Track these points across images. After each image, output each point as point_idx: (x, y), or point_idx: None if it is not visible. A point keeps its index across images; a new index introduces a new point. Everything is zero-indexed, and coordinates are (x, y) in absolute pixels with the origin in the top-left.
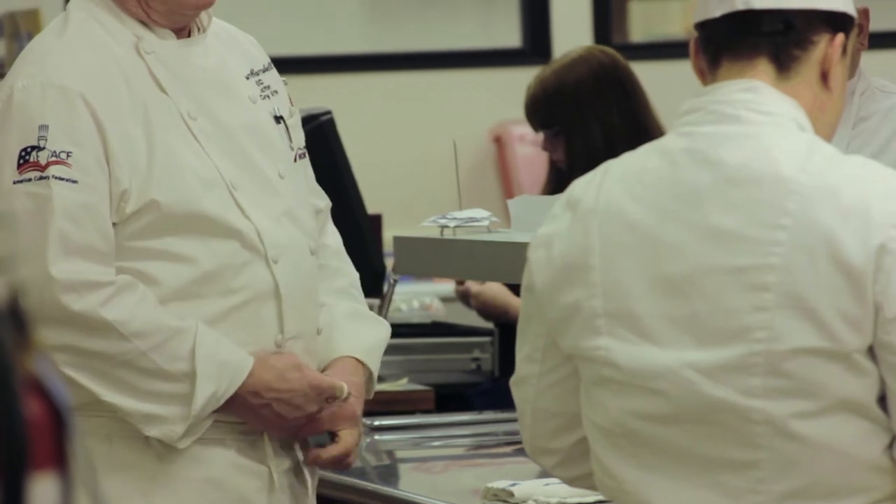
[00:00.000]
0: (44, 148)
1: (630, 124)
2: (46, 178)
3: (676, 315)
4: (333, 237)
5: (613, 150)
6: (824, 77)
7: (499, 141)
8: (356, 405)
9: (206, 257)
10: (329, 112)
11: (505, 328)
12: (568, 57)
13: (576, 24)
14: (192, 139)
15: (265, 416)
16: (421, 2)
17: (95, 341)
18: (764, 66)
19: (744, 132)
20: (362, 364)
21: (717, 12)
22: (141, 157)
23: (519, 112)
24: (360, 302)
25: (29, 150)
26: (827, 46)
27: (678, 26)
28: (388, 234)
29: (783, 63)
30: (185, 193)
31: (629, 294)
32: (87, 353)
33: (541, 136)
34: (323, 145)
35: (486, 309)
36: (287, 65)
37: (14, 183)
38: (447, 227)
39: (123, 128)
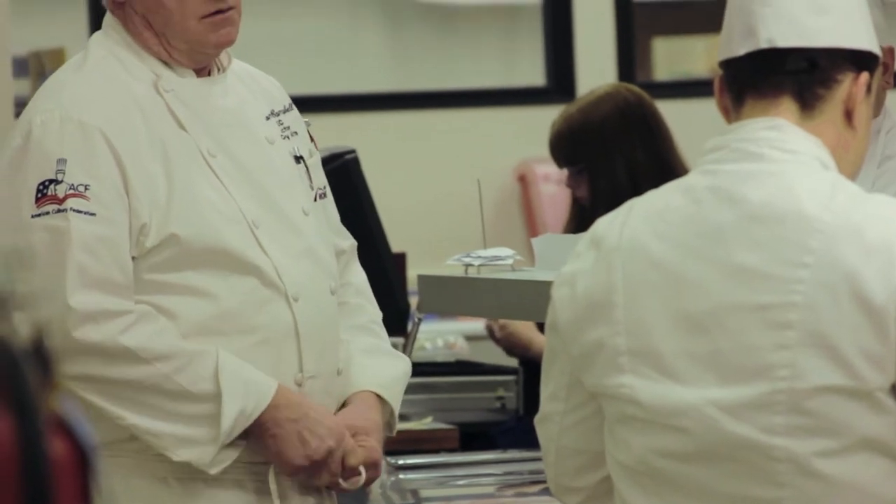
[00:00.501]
0: (62, 181)
1: (655, 163)
2: (64, 210)
3: (699, 352)
4: (357, 276)
5: (637, 188)
6: (848, 116)
7: (523, 179)
8: (376, 443)
9: (227, 293)
10: (353, 151)
11: (529, 366)
12: (594, 94)
13: (600, 63)
14: (212, 176)
15: (289, 440)
16: (444, 40)
17: (118, 369)
18: (788, 105)
19: (767, 170)
20: (382, 399)
21: (741, 50)
22: (160, 192)
23: (543, 150)
24: (382, 338)
25: (47, 183)
26: (851, 85)
27: (702, 64)
28: (413, 273)
29: (807, 101)
30: (205, 228)
31: (652, 332)
32: (111, 381)
33: (564, 173)
34: (347, 184)
35: (510, 342)
36: (311, 104)
37: (32, 217)
38: (471, 265)
39: (142, 163)
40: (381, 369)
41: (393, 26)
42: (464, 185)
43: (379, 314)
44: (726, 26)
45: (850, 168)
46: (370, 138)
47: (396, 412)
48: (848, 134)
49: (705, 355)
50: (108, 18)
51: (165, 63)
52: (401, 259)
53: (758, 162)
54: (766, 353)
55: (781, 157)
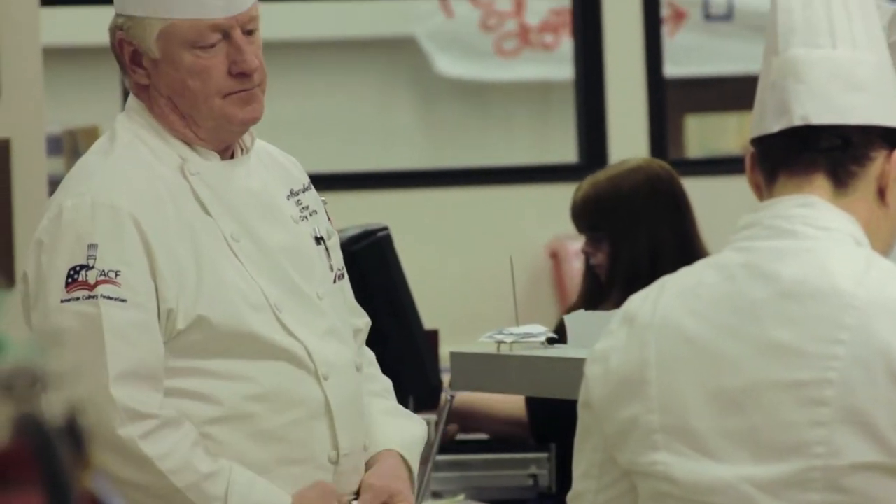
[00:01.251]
0: (93, 267)
1: (677, 241)
2: (95, 297)
3: (734, 430)
4: (368, 350)
5: (657, 263)
6: (881, 193)
7: (555, 256)
8: None
9: (260, 376)
10: (386, 228)
11: (562, 444)
12: (625, 165)
13: (632, 139)
14: (235, 261)
15: None
16: (477, 117)
17: (132, 471)
18: (821, 182)
19: (801, 247)
20: (404, 461)
21: (775, 127)
22: (189, 276)
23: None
24: (396, 404)
25: (78, 269)
26: (885, 162)
27: (734, 142)
28: (445, 350)
29: (840, 178)
30: (233, 313)
31: (686, 409)
32: (123, 481)
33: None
34: (380, 260)
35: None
36: (344, 181)
37: (62, 302)
38: (504, 342)
39: (170, 247)
40: (403, 430)
41: (425, 103)
42: (496, 262)
43: (390, 383)
44: (758, 103)
45: (884, 244)
46: (403, 215)
47: (415, 474)
48: (881, 211)
49: (740, 432)
50: (132, 101)
51: (190, 146)
52: (433, 336)
53: (791, 239)
54: (801, 430)
55: (815, 233)
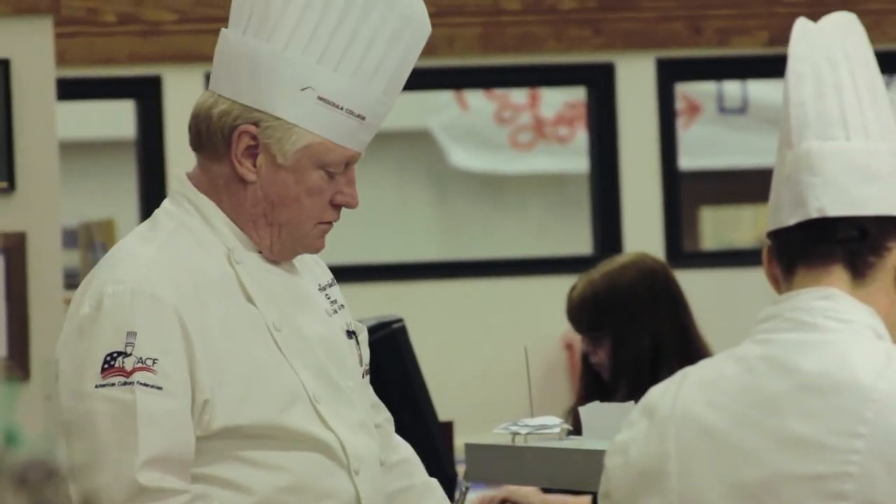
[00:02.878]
0: (130, 354)
1: (678, 334)
2: (131, 384)
3: None
4: (406, 448)
5: (659, 358)
6: None
7: (570, 347)
8: None
9: (294, 466)
10: (401, 320)
11: None
12: (616, 262)
13: (647, 231)
14: (277, 351)
15: None
16: (492, 209)
17: None
18: (839, 273)
19: (821, 340)
20: None
21: (791, 220)
22: (226, 371)
23: None
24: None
25: (115, 355)
26: None
27: (749, 234)
28: (460, 441)
29: (858, 270)
30: (270, 411)
31: (706, 501)
32: None
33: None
34: (395, 352)
35: None
36: (360, 273)
37: (96, 387)
38: (518, 434)
39: (210, 340)
40: None
41: (440, 195)
42: (511, 354)
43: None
44: (774, 197)
45: None
46: (418, 307)
47: None
48: None
49: None
50: (181, 187)
51: (236, 237)
52: (448, 427)
53: (811, 332)
54: None
55: (835, 326)
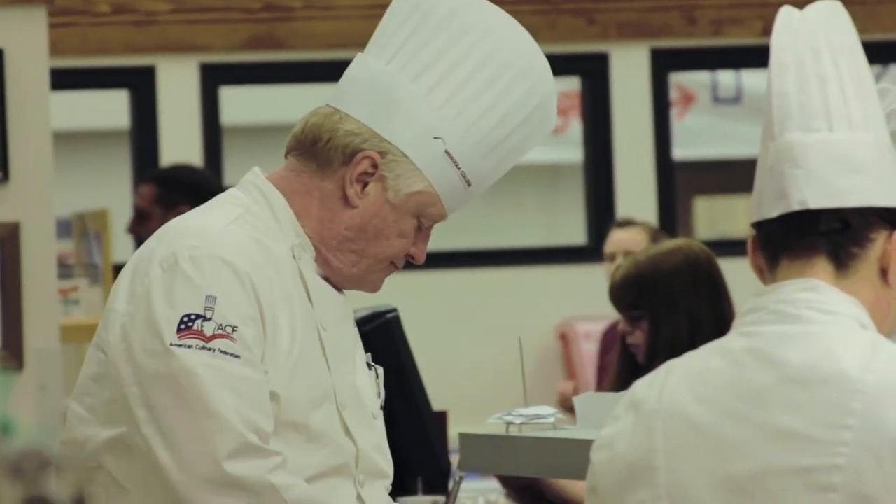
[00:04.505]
0: (210, 319)
1: (716, 323)
2: (211, 350)
3: None
4: None
5: (695, 343)
6: (884, 273)
7: (564, 337)
8: None
9: (310, 463)
10: (395, 310)
11: None
12: (664, 246)
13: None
14: (320, 348)
15: None
16: (485, 198)
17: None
18: (823, 265)
19: (806, 332)
20: None
21: (773, 213)
22: (281, 349)
23: (584, 309)
24: None
25: (193, 317)
26: (885, 243)
27: (743, 224)
28: (454, 431)
29: (842, 261)
30: (302, 405)
31: (694, 495)
32: None
33: (604, 327)
34: (389, 342)
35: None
36: None
37: (171, 345)
38: (513, 423)
39: (275, 315)
40: None
41: None
42: (505, 344)
43: None
44: (757, 188)
45: (889, 326)
46: (412, 297)
47: None
48: (884, 291)
49: None
50: (255, 178)
51: (299, 236)
52: (442, 417)
53: (796, 324)
54: None
55: (820, 318)
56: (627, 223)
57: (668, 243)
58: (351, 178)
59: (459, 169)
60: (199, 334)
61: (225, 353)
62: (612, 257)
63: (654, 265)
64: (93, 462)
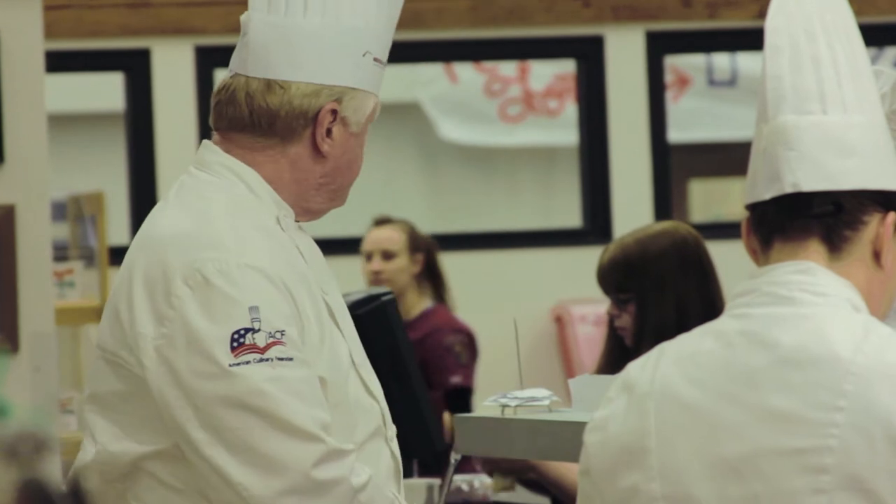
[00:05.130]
0: (259, 330)
1: (703, 305)
2: (269, 360)
3: (735, 497)
4: None
5: (683, 326)
6: (877, 256)
7: (559, 320)
8: None
9: (355, 434)
10: (390, 292)
11: None
12: (651, 228)
13: (636, 204)
14: (330, 316)
15: None
16: (481, 182)
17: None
18: (816, 247)
19: (799, 313)
20: None
21: (766, 195)
22: (314, 334)
23: (580, 292)
24: None
25: (242, 332)
26: (878, 226)
27: (738, 206)
28: None
29: (835, 244)
30: (339, 377)
31: (687, 477)
32: None
33: (599, 310)
34: (384, 325)
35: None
36: (349, 245)
37: (230, 366)
38: (508, 406)
39: (303, 306)
40: None
41: (429, 168)
42: (500, 326)
43: None
44: (751, 170)
45: (882, 308)
46: None
47: None
48: (877, 274)
49: (741, 500)
50: (219, 157)
51: (277, 206)
52: (437, 400)
53: (789, 306)
54: (802, 498)
55: (813, 300)
56: (385, 221)
57: (656, 226)
58: (321, 135)
59: (382, 63)
60: (254, 348)
61: (281, 359)
62: (370, 255)
63: (642, 248)
64: (127, 469)
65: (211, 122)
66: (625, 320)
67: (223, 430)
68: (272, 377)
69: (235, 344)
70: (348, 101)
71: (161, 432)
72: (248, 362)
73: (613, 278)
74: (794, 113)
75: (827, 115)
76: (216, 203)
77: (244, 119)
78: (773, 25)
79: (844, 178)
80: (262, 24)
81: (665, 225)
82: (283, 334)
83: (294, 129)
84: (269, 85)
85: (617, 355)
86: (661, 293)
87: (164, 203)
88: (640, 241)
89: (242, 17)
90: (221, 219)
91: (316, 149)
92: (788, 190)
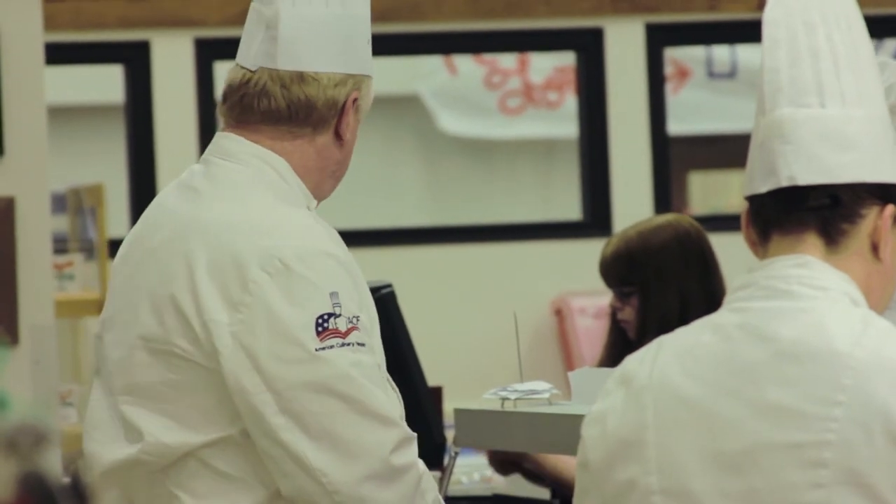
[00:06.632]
0: (340, 315)
1: (705, 297)
2: (350, 344)
3: (733, 491)
4: None
5: (686, 319)
6: (875, 249)
7: (559, 313)
8: None
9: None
10: (390, 285)
11: (564, 500)
12: (653, 221)
13: (636, 196)
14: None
15: None
16: (481, 174)
17: (404, 488)
18: (813, 241)
19: (797, 307)
20: None
21: (763, 188)
22: (373, 321)
23: (580, 284)
24: None
25: (326, 316)
26: (876, 218)
27: (738, 199)
28: (449, 406)
29: (832, 237)
30: (384, 363)
31: (685, 470)
32: (406, 498)
33: (599, 302)
34: (384, 317)
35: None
36: (348, 238)
37: (316, 350)
38: (508, 399)
39: (365, 292)
40: None
41: (429, 161)
42: (500, 319)
43: None
44: (749, 163)
45: (881, 301)
46: (407, 272)
47: None
48: (876, 267)
49: (739, 494)
50: (249, 148)
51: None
52: (437, 393)
53: (787, 299)
54: (800, 492)
55: (811, 293)
56: None
57: (659, 218)
58: (346, 123)
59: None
60: (336, 332)
61: (360, 344)
62: None
63: (644, 241)
64: (175, 458)
65: (233, 115)
66: (628, 313)
67: (305, 415)
68: (355, 362)
69: (320, 329)
70: (365, 89)
71: (222, 421)
72: (332, 346)
73: (616, 271)
74: (790, 106)
75: (825, 108)
76: (261, 191)
77: (281, 111)
78: (772, 17)
79: (841, 172)
80: (291, 17)
81: (667, 217)
82: (358, 320)
83: (326, 119)
84: (302, 77)
85: (619, 348)
86: (663, 286)
87: (194, 193)
88: (642, 234)
89: (264, 11)
90: (276, 206)
91: (338, 136)
92: (784, 183)
